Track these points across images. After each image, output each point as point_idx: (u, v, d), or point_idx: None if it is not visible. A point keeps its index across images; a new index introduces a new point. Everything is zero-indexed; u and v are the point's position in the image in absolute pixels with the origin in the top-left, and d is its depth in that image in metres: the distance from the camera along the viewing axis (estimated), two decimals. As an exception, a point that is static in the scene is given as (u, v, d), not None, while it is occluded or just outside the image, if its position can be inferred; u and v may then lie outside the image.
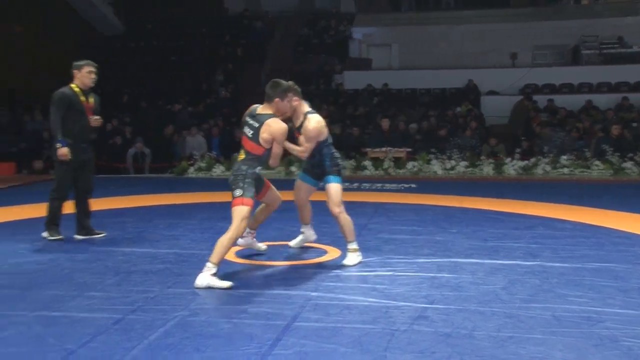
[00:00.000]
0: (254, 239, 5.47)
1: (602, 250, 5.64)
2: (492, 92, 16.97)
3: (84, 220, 6.31)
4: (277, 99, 4.75)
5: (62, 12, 18.97)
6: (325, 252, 5.64)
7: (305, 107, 5.21)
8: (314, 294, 4.36)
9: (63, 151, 5.98)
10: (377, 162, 12.10)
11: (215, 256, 4.53)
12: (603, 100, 15.90)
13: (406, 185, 10.36)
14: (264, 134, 4.68)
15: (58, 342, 3.47)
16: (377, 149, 12.33)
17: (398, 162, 12.10)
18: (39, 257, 5.49)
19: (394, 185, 10.35)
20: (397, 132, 13.21)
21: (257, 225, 5.43)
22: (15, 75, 17.18)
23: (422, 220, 7.19)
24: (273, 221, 6.91)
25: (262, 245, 5.56)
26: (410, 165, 12.04)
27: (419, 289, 4.45)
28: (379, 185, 10.42)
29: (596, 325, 3.70)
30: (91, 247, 5.83)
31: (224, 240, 4.56)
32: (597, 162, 11.83)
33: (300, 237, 5.76)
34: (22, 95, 16.87)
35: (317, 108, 15.85)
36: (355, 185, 10.47)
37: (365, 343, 3.44)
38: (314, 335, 3.55)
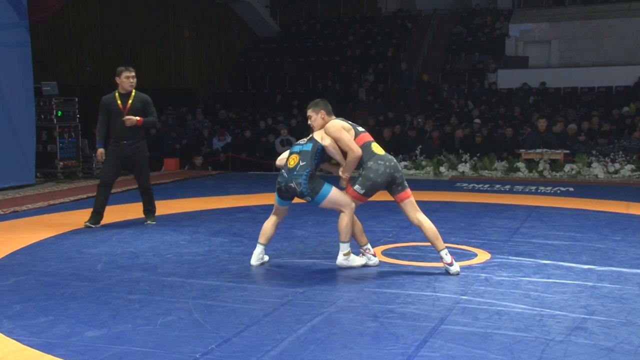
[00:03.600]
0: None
1: None
2: (665, 90, 15.57)
3: (144, 210, 7.13)
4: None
5: (225, 17, 20.07)
6: (474, 254, 5.47)
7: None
8: (462, 297, 4.25)
9: (98, 152, 6.92)
10: (531, 164, 11.57)
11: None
12: None
13: (563, 189, 9.81)
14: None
15: (215, 329, 3.67)
16: (532, 151, 11.79)
17: (554, 165, 11.49)
18: (197, 248, 5.84)
19: (549, 189, 9.84)
20: (553, 133, 12.55)
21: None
22: (182, 77, 18.46)
23: (580, 226, 6.77)
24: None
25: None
26: (567, 167, 11.38)
27: (576, 298, 4.19)
28: (533, 188, 9.96)
29: None
30: (245, 241, 6.10)
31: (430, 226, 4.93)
32: None
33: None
34: (188, 96, 18.08)
35: (467, 108, 15.32)
36: (507, 187, 10.08)
37: (516, 351, 3.30)
38: (462, 340, 3.46)
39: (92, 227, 6.79)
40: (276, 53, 20.27)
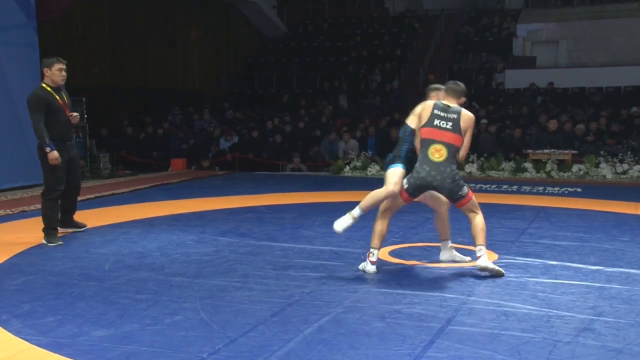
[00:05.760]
0: (453, 249, 5.31)
1: None
2: (676, 90, 15.49)
3: (66, 214, 6.44)
4: (463, 98, 4.93)
5: (233, 17, 20.10)
6: (482, 255, 5.45)
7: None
8: (469, 297, 4.24)
9: (54, 155, 5.92)
10: (538, 164, 11.53)
11: (484, 239, 4.80)
12: None
13: (570, 189, 9.77)
14: (462, 123, 4.77)
15: (222, 329, 3.67)
16: (540, 151, 11.76)
17: (562, 165, 11.45)
18: (205, 248, 5.85)
19: (556, 189, 9.81)
20: (561, 133, 12.51)
21: (447, 233, 5.26)
22: (189, 77, 18.50)
23: (588, 227, 6.74)
24: (429, 222, 6.83)
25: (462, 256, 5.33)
26: (575, 168, 11.34)
27: (584, 299, 4.18)
28: (540, 188, 9.93)
29: None
30: (252, 241, 6.11)
31: (482, 223, 4.81)
32: None
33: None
34: (196, 96, 18.11)
35: (473, 108, 15.31)
36: (515, 187, 10.06)
37: (524, 352, 3.29)
38: (469, 340, 3.45)
39: (57, 244, 5.99)
40: (283, 53, 20.29)
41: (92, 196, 9.19)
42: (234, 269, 5.07)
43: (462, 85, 4.99)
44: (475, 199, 4.87)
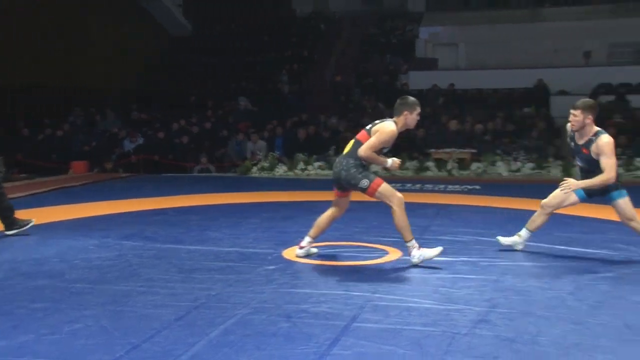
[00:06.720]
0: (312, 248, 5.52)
1: (678, 257, 5.39)
2: (562, 92, 16.45)
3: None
4: (406, 112, 5.08)
5: (137, 15, 19.58)
6: (386, 252, 5.60)
7: (594, 127, 5.38)
8: (374, 295, 4.33)
9: None
10: (440, 163, 11.95)
11: (406, 235, 5.06)
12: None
13: (470, 187, 10.18)
14: (375, 127, 5.04)
15: (123, 336, 3.57)
16: (442, 150, 12.19)
17: (462, 164, 11.92)
18: (107, 253, 5.67)
19: (457, 187, 10.18)
20: (461, 133, 13.02)
21: (319, 233, 5.45)
22: (91, 76, 17.85)
23: (486, 223, 7.04)
24: (337, 222, 6.91)
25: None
26: (474, 166, 11.84)
27: (481, 293, 4.37)
28: (442, 186, 10.28)
29: (670, 335, 3.54)
30: (157, 245, 5.98)
31: (397, 220, 5.02)
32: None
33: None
34: (96, 96, 17.50)
35: (376, 108, 15.59)
36: (418, 186, 10.37)
37: (425, 345, 3.40)
38: (373, 337, 3.53)
39: (30, 225, 6.54)
40: (190, 53, 19.98)
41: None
42: (138, 273, 4.95)
43: (403, 102, 5.14)
44: (385, 191, 5.01)
